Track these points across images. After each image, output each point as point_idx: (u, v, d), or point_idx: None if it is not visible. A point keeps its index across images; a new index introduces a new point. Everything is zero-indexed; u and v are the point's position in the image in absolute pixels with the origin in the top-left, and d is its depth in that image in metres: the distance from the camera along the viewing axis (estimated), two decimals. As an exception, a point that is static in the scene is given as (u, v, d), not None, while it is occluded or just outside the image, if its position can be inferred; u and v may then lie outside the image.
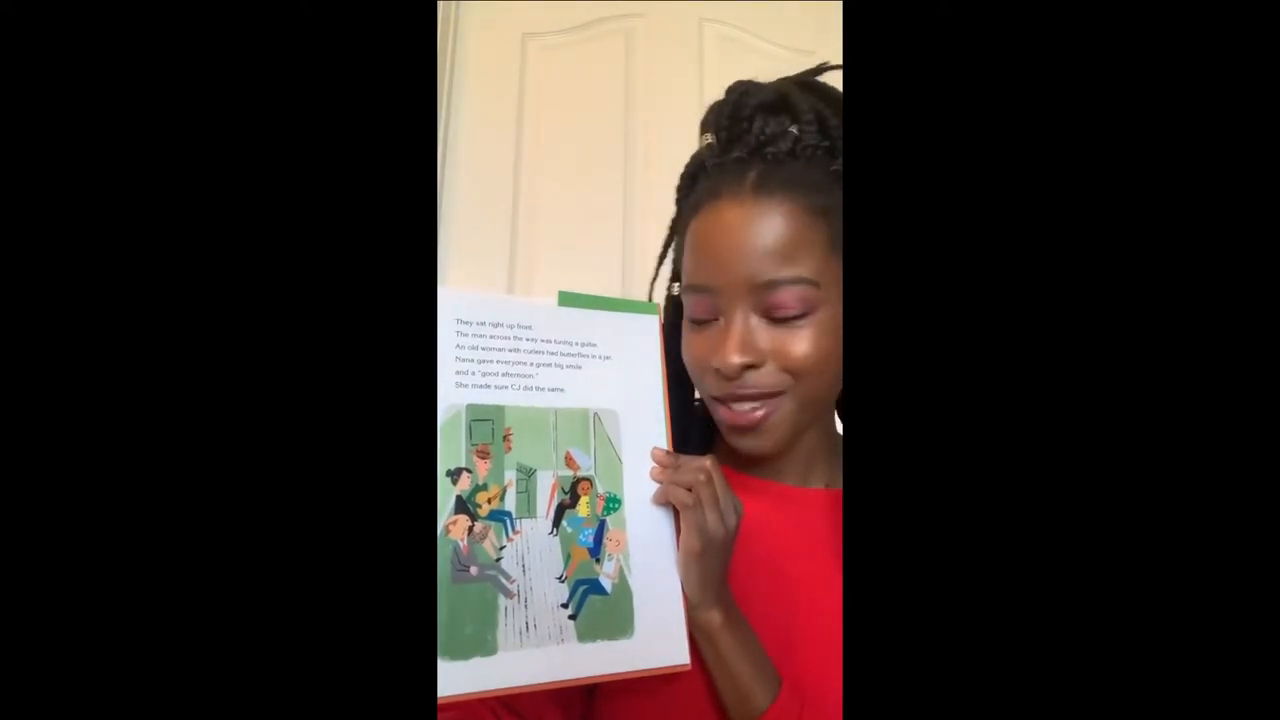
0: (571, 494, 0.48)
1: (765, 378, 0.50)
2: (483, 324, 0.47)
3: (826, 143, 0.51)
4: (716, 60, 1.27)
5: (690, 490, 0.47)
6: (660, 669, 0.47)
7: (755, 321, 0.50)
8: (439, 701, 0.39)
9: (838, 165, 0.51)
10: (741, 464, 0.57)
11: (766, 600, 0.52)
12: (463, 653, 0.41)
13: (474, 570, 0.43)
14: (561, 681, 0.44)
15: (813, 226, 0.49)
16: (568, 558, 0.46)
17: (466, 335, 0.47)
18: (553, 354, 0.49)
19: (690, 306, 0.53)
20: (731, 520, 0.47)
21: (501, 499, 0.45)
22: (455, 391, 0.46)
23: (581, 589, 0.46)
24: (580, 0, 1.27)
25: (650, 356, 0.53)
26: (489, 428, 0.46)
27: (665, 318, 0.57)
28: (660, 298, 0.60)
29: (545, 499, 0.47)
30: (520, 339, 0.49)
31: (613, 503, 0.49)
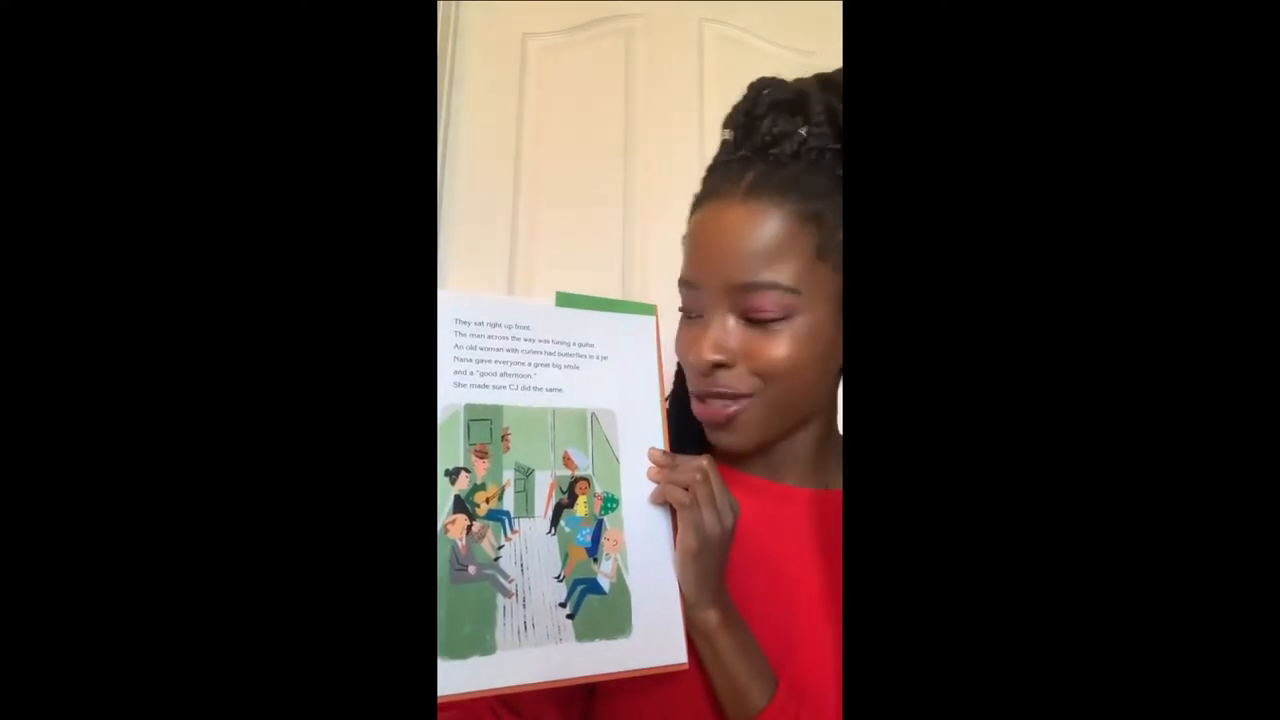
0: (569, 494, 0.48)
1: (734, 379, 0.51)
2: (481, 324, 0.48)
3: (838, 145, 0.51)
4: (716, 60, 1.27)
5: (687, 489, 0.47)
6: (658, 668, 0.47)
7: (733, 322, 0.51)
8: (438, 701, 0.39)
9: None
10: (740, 463, 0.57)
11: (764, 600, 0.52)
12: (461, 652, 0.42)
13: (472, 569, 0.43)
14: (560, 681, 0.44)
15: (800, 233, 0.49)
16: (565, 557, 0.46)
17: (465, 335, 0.47)
18: (550, 354, 0.49)
19: (682, 300, 0.54)
20: (728, 519, 0.47)
21: (500, 499, 0.46)
22: (453, 391, 0.46)
23: (579, 588, 0.46)
24: (580, 0, 1.27)
25: (647, 357, 0.53)
26: (487, 428, 0.46)
27: None
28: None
29: (543, 499, 0.47)
30: (518, 339, 0.49)
31: (610, 502, 0.49)
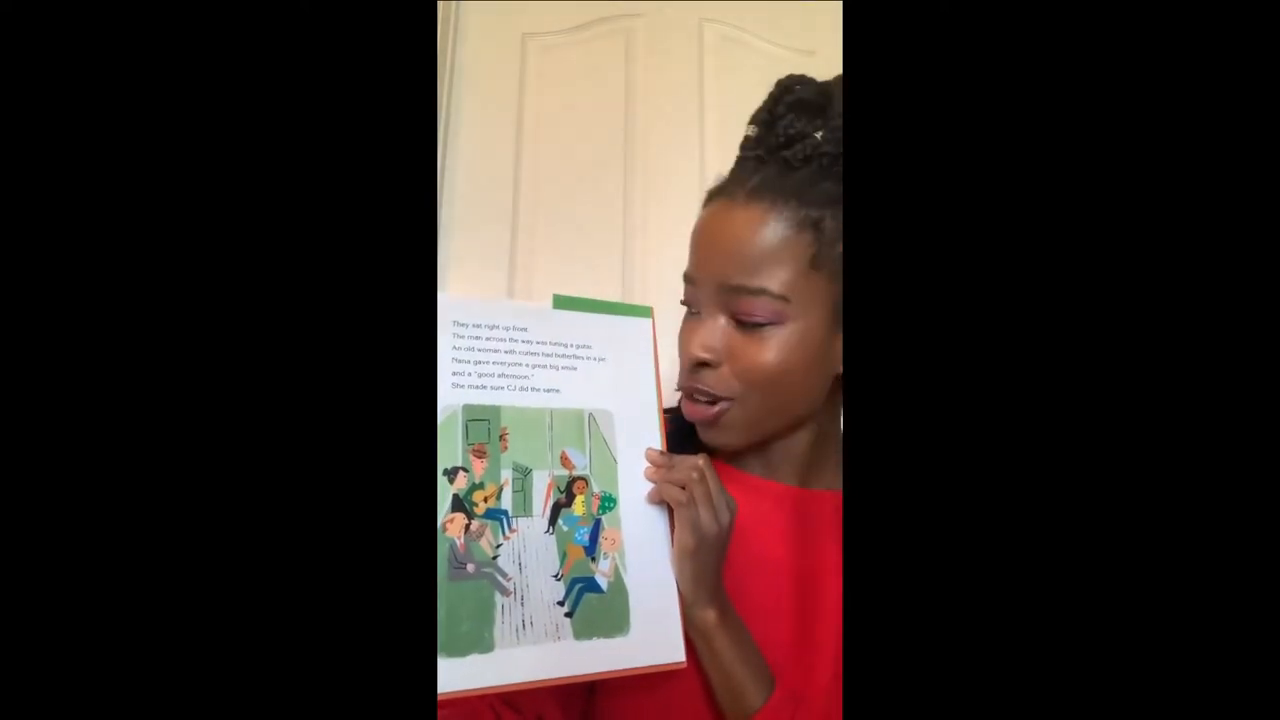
0: (567, 493, 0.48)
1: (716, 381, 0.51)
2: (479, 326, 0.48)
3: None
4: (716, 60, 1.27)
5: (684, 488, 0.47)
6: (656, 666, 0.47)
7: (724, 321, 0.51)
8: (437, 698, 0.40)
9: None
10: (738, 462, 0.57)
11: (761, 598, 0.52)
12: (460, 650, 0.42)
13: (471, 568, 0.44)
14: (558, 679, 0.44)
15: (795, 240, 0.48)
16: (564, 556, 0.46)
17: (463, 337, 0.47)
18: (548, 355, 0.50)
19: (684, 293, 0.54)
20: (725, 517, 0.48)
21: (498, 498, 0.46)
22: (452, 392, 0.46)
23: (577, 587, 0.46)
24: (580, 0, 1.27)
25: (644, 358, 0.53)
26: (485, 428, 0.46)
27: None
28: None
29: (541, 498, 0.47)
30: (516, 341, 0.49)
31: (608, 502, 0.49)
